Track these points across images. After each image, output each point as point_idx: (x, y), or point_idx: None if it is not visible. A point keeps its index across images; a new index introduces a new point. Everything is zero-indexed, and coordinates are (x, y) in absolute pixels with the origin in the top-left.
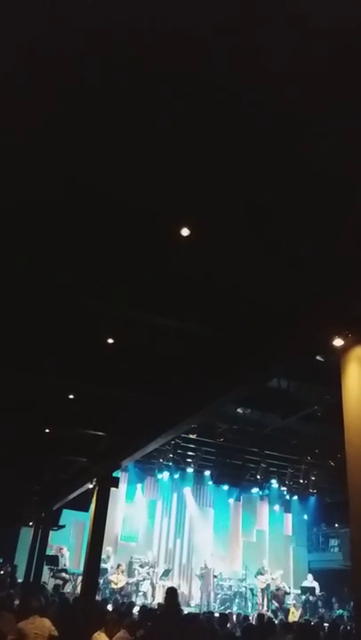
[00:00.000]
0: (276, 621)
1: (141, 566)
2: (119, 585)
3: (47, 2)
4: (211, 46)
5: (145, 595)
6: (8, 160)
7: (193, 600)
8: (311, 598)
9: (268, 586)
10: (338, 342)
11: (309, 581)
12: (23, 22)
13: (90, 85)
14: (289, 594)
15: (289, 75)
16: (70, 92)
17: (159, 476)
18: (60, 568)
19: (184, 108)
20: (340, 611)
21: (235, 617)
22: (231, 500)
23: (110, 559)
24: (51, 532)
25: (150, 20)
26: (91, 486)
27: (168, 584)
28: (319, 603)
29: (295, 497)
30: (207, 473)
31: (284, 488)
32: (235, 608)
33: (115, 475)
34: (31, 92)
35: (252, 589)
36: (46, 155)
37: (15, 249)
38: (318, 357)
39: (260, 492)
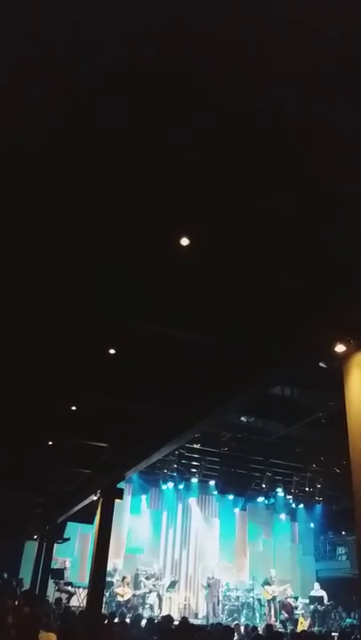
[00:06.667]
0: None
1: (147, 578)
2: (125, 597)
3: (48, 2)
4: (209, 47)
5: (152, 607)
6: (8, 163)
7: (200, 612)
8: (320, 607)
9: (276, 597)
10: (340, 348)
11: (317, 590)
12: (23, 21)
13: (89, 89)
14: (297, 607)
15: (288, 77)
16: (70, 97)
17: (164, 487)
18: (65, 581)
19: (184, 115)
20: (350, 620)
21: (242, 628)
22: (237, 510)
23: (116, 572)
24: (55, 545)
25: (150, 21)
26: (95, 498)
27: (175, 596)
28: (328, 612)
29: (301, 505)
30: (212, 483)
31: (290, 496)
32: (243, 619)
33: (119, 486)
34: (31, 93)
35: (259, 600)
36: (47, 162)
37: (17, 260)
38: (321, 364)
39: (266, 501)
